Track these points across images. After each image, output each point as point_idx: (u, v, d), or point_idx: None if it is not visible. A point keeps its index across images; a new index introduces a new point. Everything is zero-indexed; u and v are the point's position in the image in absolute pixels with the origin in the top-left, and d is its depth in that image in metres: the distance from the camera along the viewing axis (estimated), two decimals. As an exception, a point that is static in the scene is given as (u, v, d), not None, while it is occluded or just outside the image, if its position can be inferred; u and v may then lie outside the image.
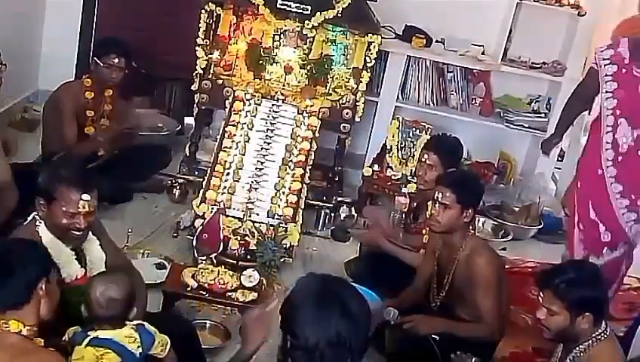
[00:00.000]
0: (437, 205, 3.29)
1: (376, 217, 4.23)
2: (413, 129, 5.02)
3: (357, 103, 4.78)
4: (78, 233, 2.75)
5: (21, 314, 2.23)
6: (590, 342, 2.65)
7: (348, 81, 4.84)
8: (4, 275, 2.23)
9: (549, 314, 2.67)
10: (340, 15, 4.62)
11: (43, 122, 4.55)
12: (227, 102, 4.65)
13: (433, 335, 3.19)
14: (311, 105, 4.61)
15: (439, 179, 3.46)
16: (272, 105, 4.61)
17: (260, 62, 4.76)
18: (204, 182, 4.30)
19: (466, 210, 3.27)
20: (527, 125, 5.57)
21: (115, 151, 4.56)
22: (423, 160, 3.92)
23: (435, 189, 3.37)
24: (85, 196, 2.72)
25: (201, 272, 3.45)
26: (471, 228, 3.42)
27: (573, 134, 5.73)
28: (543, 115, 5.61)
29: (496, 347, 3.37)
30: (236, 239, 4.02)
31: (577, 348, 2.66)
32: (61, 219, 2.71)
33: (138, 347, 2.54)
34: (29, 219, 2.80)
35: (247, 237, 4.04)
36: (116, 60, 4.36)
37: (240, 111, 4.56)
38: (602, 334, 2.66)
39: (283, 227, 4.09)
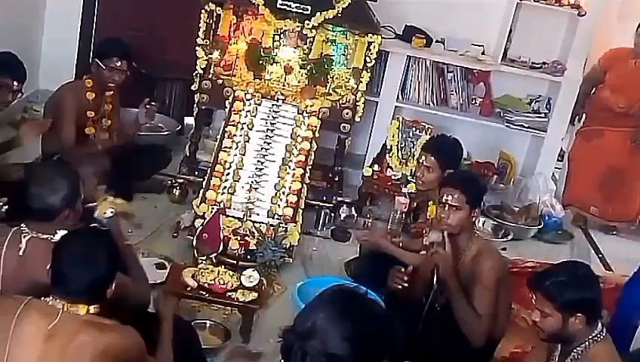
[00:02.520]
0: (446, 207, 3.25)
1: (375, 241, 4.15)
2: (413, 129, 5.02)
3: (357, 103, 4.78)
4: None
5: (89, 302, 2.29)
6: (587, 343, 2.64)
7: (348, 81, 4.84)
8: (89, 276, 2.27)
9: (542, 316, 2.67)
10: (340, 15, 4.62)
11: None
12: (227, 102, 4.65)
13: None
14: (311, 105, 4.61)
15: (444, 181, 3.44)
16: (272, 105, 4.61)
17: (260, 62, 4.76)
18: (204, 182, 4.31)
19: (474, 209, 3.28)
20: (527, 125, 5.57)
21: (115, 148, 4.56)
22: (421, 161, 3.92)
23: (442, 191, 3.33)
24: None
25: (201, 272, 3.46)
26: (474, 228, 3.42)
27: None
28: (543, 114, 5.61)
29: (496, 347, 3.37)
30: (236, 239, 4.02)
31: (575, 351, 2.66)
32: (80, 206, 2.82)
33: None
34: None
35: (247, 237, 4.04)
36: (119, 63, 4.34)
37: (240, 111, 4.56)
38: (598, 335, 2.65)
39: (283, 227, 4.09)
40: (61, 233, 2.59)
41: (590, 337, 2.64)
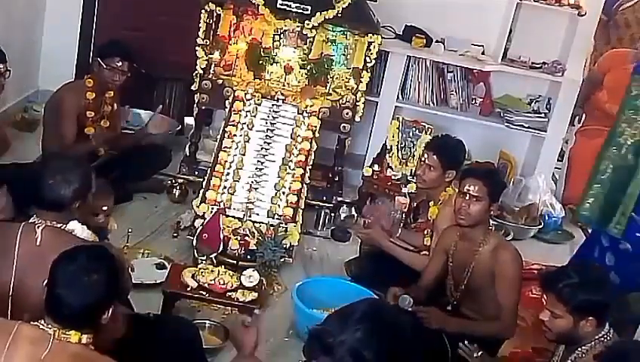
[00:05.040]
0: (467, 197, 3.28)
1: (377, 215, 4.22)
2: (413, 129, 5.01)
3: (357, 103, 4.78)
4: None
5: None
6: (593, 343, 2.63)
7: (348, 81, 4.84)
8: (79, 302, 2.12)
9: (552, 317, 2.67)
10: (339, 15, 4.62)
11: (44, 122, 4.55)
12: (227, 102, 4.65)
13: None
14: (311, 105, 4.61)
15: (466, 172, 3.47)
16: (272, 105, 4.61)
17: (260, 62, 4.76)
18: (204, 182, 4.31)
19: (493, 203, 3.31)
20: (527, 125, 5.56)
21: (115, 152, 4.56)
22: (423, 159, 3.92)
23: (464, 182, 3.34)
24: None
25: (201, 272, 3.46)
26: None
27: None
28: (543, 115, 5.61)
29: (501, 345, 3.38)
30: (236, 239, 4.02)
31: (580, 349, 2.66)
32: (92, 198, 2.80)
33: None
34: (38, 230, 2.60)
35: (247, 237, 4.04)
36: (119, 63, 4.36)
37: (240, 111, 4.56)
38: (605, 336, 2.65)
39: (283, 227, 4.09)
40: (73, 223, 2.62)
41: (597, 338, 2.63)
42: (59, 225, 2.59)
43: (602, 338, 2.63)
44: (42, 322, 2.14)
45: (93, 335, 2.17)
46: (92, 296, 2.14)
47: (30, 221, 2.60)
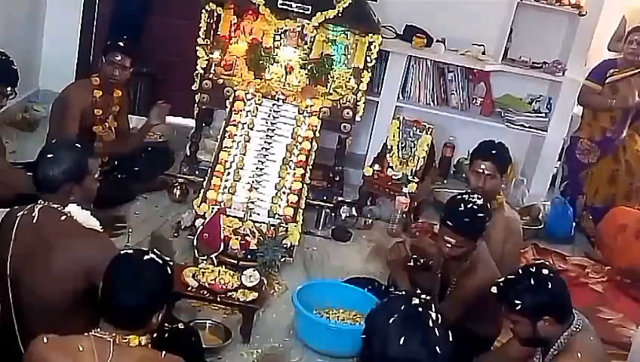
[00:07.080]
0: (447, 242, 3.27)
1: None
2: (414, 128, 5.02)
3: (357, 103, 4.78)
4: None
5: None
6: (562, 340, 2.64)
7: (348, 81, 4.84)
8: (134, 305, 2.17)
9: (512, 324, 2.70)
10: (340, 15, 4.63)
11: (50, 119, 4.53)
12: (228, 102, 4.65)
13: None
14: (311, 105, 4.61)
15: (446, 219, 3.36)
16: (273, 104, 4.61)
17: (261, 62, 4.76)
18: (205, 182, 4.31)
19: (474, 241, 3.27)
20: (527, 125, 5.56)
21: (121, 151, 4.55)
22: (480, 170, 3.72)
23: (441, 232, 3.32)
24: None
25: (202, 272, 3.46)
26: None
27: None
28: (543, 114, 5.61)
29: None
30: (237, 239, 4.02)
31: (553, 348, 2.66)
32: (95, 184, 2.85)
33: None
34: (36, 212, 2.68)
35: (247, 237, 4.04)
36: (119, 58, 4.32)
37: (240, 111, 4.56)
38: (575, 327, 2.64)
39: (283, 227, 4.09)
40: (71, 206, 2.67)
41: (566, 334, 2.63)
42: (55, 206, 2.67)
43: (573, 330, 2.63)
44: (97, 331, 2.16)
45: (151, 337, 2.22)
46: (147, 297, 2.19)
47: (36, 203, 2.71)
